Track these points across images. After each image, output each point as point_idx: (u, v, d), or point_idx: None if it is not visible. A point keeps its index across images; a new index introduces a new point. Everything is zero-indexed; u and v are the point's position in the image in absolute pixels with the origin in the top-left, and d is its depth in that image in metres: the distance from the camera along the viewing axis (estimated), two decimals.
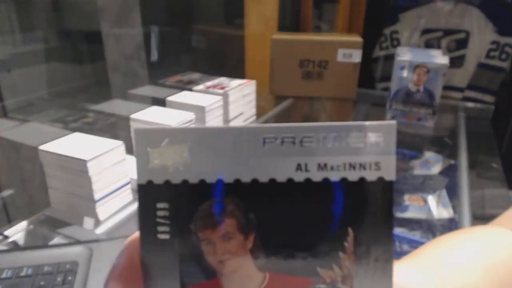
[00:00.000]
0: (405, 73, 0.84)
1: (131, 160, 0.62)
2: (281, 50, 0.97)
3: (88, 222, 0.52)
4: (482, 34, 1.10)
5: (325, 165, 0.10)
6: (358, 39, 0.95)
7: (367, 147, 0.10)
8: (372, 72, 1.24)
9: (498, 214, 0.28)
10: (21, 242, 0.50)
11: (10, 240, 0.50)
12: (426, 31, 1.16)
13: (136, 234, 0.10)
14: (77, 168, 0.49)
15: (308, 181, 0.10)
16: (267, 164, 0.10)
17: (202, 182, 0.10)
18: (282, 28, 1.08)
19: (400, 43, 1.19)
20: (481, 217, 0.56)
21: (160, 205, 0.10)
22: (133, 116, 0.65)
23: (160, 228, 0.10)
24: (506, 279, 0.22)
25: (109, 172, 0.52)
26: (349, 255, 0.10)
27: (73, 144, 0.52)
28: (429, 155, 0.76)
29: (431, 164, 0.72)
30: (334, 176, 0.10)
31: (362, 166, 0.10)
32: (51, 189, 0.53)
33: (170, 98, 0.73)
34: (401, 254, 0.22)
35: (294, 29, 1.23)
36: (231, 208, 0.10)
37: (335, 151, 0.10)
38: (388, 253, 0.10)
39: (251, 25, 1.03)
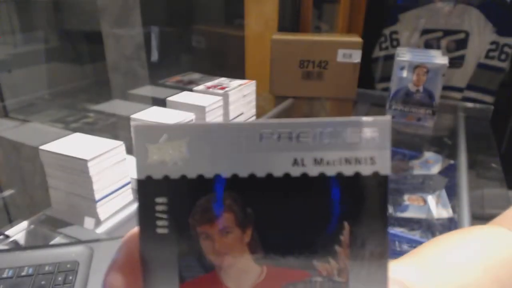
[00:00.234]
0: (404, 73, 0.84)
1: (132, 160, 0.62)
2: (281, 50, 0.97)
3: (88, 222, 0.52)
4: (481, 35, 1.11)
5: (321, 160, 0.10)
6: (358, 39, 0.95)
7: (362, 142, 0.10)
8: (372, 73, 1.24)
9: (498, 214, 0.28)
10: (22, 241, 0.51)
11: (11, 239, 0.50)
12: (425, 32, 1.16)
13: (135, 229, 0.10)
14: (77, 168, 0.49)
15: (304, 175, 0.10)
16: (264, 159, 0.10)
17: (200, 177, 0.10)
18: (282, 28, 1.08)
19: (400, 44, 1.19)
20: (481, 217, 0.56)
21: (159, 200, 0.10)
22: (134, 116, 0.65)
23: (159, 223, 0.10)
24: (505, 278, 0.22)
25: (109, 172, 0.52)
26: (345, 248, 0.10)
27: (73, 144, 0.52)
28: (428, 155, 0.76)
29: (431, 164, 0.72)
30: (330, 171, 0.10)
31: (358, 161, 0.10)
32: (52, 189, 0.53)
33: (170, 98, 0.73)
34: (400, 254, 0.23)
35: (294, 30, 1.23)
36: (228, 203, 0.10)
37: (331, 146, 0.10)
38: (383, 246, 0.10)
39: (251, 25, 1.04)
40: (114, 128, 0.76)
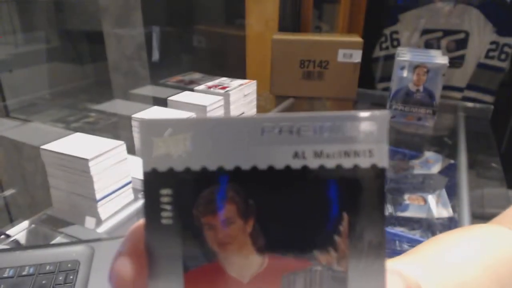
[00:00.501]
0: (405, 73, 0.84)
1: (133, 160, 0.62)
2: (282, 50, 0.97)
3: (89, 221, 0.52)
4: (481, 35, 1.11)
5: (321, 152, 0.10)
6: (358, 39, 0.95)
7: (361, 136, 0.10)
8: (372, 72, 1.24)
9: (498, 214, 0.28)
10: (23, 241, 0.51)
11: (12, 239, 0.50)
12: (425, 32, 1.16)
13: (141, 221, 0.11)
14: (78, 168, 0.50)
15: (304, 168, 0.10)
16: (266, 152, 0.10)
17: (204, 169, 0.10)
18: (282, 28, 1.09)
19: (400, 43, 1.20)
20: (481, 217, 0.57)
21: (164, 191, 0.10)
22: (135, 116, 0.65)
23: (164, 214, 0.10)
24: (505, 277, 0.22)
25: (110, 172, 0.52)
26: (344, 238, 0.10)
27: (74, 144, 0.52)
28: (429, 154, 0.76)
29: (431, 163, 0.73)
30: (330, 163, 0.10)
31: (356, 154, 0.10)
32: (53, 188, 0.53)
33: (171, 98, 0.73)
34: (400, 253, 0.23)
35: (294, 30, 1.23)
36: (231, 195, 0.10)
37: (331, 140, 0.10)
38: (380, 236, 0.10)
39: (251, 25, 1.04)
40: (115, 128, 0.76)
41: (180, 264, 0.10)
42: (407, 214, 0.58)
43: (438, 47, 1.14)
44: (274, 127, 0.10)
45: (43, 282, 0.39)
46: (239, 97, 0.80)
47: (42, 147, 0.51)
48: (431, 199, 0.61)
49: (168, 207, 0.10)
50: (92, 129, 0.71)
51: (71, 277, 0.40)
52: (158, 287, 0.10)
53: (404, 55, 0.86)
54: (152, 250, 0.10)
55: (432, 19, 1.15)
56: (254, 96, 0.85)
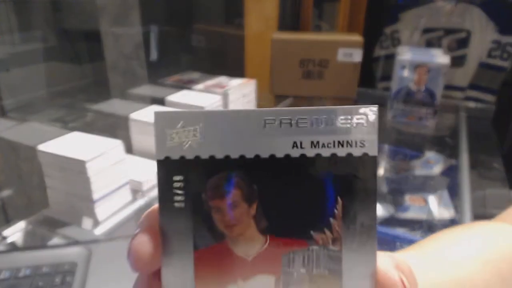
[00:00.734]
0: (406, 73, 0.84)
1: (130, 160, 0.61)
2: (281, 50, 0.97)
3: (87, 223, 0.52)
4: (483, 34, 1.10)
5: (317, 142, 0.11)
6: (358, 38, 0.94)
7: (353, 128, 0.11)
8: (373, 72, 1.24)
9: None
10: (19, 242, 0.50)
11: (8, 240, 0.50)
12: (426, 31, 1.15)
13: (155, 205, 0.12)
14: (76, 169, 0.49)
15: (302, 156, 0.11)
16: (268, 142, 0.11)
17: (212, 158, 0.11)
18: (282, 27, 1.08)
19: (401, 43, 1.19)
20: (483, 217, 0.56)
21: (176, 177, 0.11)
22: (132, 115, 0.65)
23: (176, 198, 0.12)
24: (505, 272, 0.22)
25: (108, 172, 0.52)
26: (338, 220, 0.12)
27: (72, 144, 0.52)
28: (430, 155, 0.75)
29: (432, 164, 0.72)
30: (325, 152, 0.11)
31: (349, 144, 0.11)
32: (50, 189, 0.53)
33: (169, 98, 0.72)
34: None
35: (294, 28, 1.23)
36: (237, 181, 0.12)
37: (326, 131, 0.11)
38: (372, 219, 0.11)
39: (251, 24, 1.03)
40: (113, 127, 0.76)
41: (191, 243, 0.12)
42: (407, 215, 0.57)
43: (439, 46, 1.13)
44: (275, 120, 0.11)
45: (40, 284, 0.39)
46: (238, 96, 0.80)
47: (39, 148, 0.51)
48: (432, 200, 0.61)
49: (180, 192, 0.11)
50: (89, 128, 0.71)
51: (68, 278, 0.40)
52: (171, 263, 0.12)
53: (405, 54, 0.85)
54: (166, 230, 0.12)
55: (433, 18, 1.14)
56: (254, 95, 0.84)
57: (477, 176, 0.67)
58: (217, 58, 1.21)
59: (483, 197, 0.62)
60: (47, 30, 0.76)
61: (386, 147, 0.81)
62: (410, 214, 0.58)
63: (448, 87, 1.04)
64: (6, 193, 0.63)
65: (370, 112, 0.11)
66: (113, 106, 0.82)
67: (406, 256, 0.21)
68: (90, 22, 0.82)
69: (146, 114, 0.65)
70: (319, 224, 0.12)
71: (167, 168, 0.11)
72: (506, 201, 0.63)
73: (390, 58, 1.15)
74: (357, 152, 0.11)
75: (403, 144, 0.81)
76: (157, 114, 0.11)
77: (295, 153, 0.11)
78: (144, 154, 0.65)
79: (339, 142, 0.11)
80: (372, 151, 0.11)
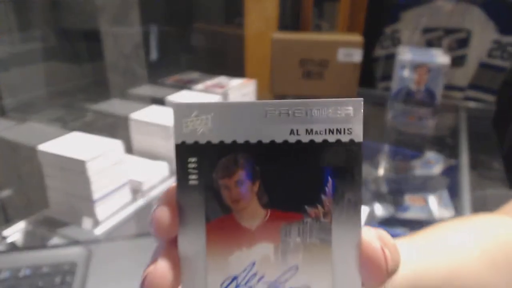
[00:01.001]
0: (406, 73, 0.84)
1: (130, 160, 0.61)
2: (281, 50, 0.96)
3: (87, 223, 0.52)
4: (483, 33, 1.10)
5: (311, 130, 0.13)
6: (358, 38, 0.94)
7: (341, 117, 0.13)
8: (373, 72, 1.23)
9: None
10: (19, 242, 0.50)
11: (8, 240, 0.50)
12: (427, 30, 1.15)
13: (173, 184, 0.14)
14: (75, 169, 0.49)
15: (298, 142, 0.13)
16: (269, 130, 0.13)
17: (221, 142, 0.13)
18: (282, 27, 1.08)
19: (401, 42, 1.19)
20: None
21: (191, 159, 0.13)
22: (132, 115, 0.65)
23: (191, 177, 0.13)
24: (501, 261, 0.22)
25: (108, 172, 0.52)
26: (329, 197, 0.13)
27: (71, 144, 0.52)
28: (430, 155, 0.75)
29: (432, 164, 0.72)
30: (318, 138, 0.13)
31: (338, 131, 0.13)
32: (50, 189, 0.53)
33: (169, 98, 0.72)
34: None
35: (294, 28, 1.22)
36: (242, 162, 0.13)
37: (318, 120, 0.13)
38: (357, 196, 0.13)
39: (251, 24, 1.03)
40: (113, 127, 0.76)
41: (203, 215, 0.13)
42: (407, 215, 0.57)
43: (439, 46, 1.13)
44: (275, 110, 0.13)
45: (40, 284, 0.39)
46: (238, 96, 0.80)
47: (39, 148, 0.51)
48: (432, 200, 0.61)
49: (194, 171, 0.13)
50: (89, 128, 0.71)
51: (68, 279, 0.40)
52: (186, 232, 0.13)
53: (405, 54, 0.85)
54: (182, 204, 0.13)
55: (433, 17, 1.14)
56: (253, 95, 0.84)
57: (477, 176, 0.67)
58: (217, 58, 1.21)
59: (483, 197, 0.62)
60: (47, 30, 0.75)
61: (386, 147, 0.81)
62: (410, 214, 0.58)
63: (448, 87, 1.04)
64: (6, 193, 0.63)
65: (356, 105, 0.13)
66: (113, 106, 0.82)
67: (400, 242, 0.21)
68: (90, 22, 0.82)
69: (146, 114, 0.65)
70: (313, 200, 0.13)
71: (183, 151, 0.13)
72: (506, 201, 0.63)
73: (390, 58, 1.15)
74: (345, 138, 0.13)
75: (403, 144, 0.81)
76: (175, 105, 0.13)
77: (292, 139, 0.13)
78: (144, 154, 0.65)
79: (329, 129, 0.13)
80: (358, 137, 0.13)
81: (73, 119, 0.76)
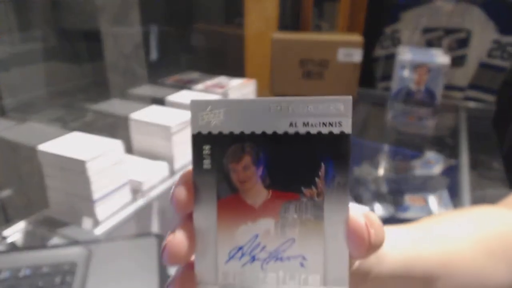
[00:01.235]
0: (406, 73, 0.84)
1: (130, 160, 0.61)
2: (282, 50, 0.96)
3: (87, 222, 0.52)
4: (483, 33, 1.10)
5: (308, 123, 0.15)
6: (358, 38, 0.94)
7: (333, 112, 0.15)
8: (373, 72, 1.23)
9: None
10: (19, 242, 0.50)
11: (8, 240, 0.50)
12: (427, 30, 1.15)
13: (190, 168, 0.16)
14: (76, 169, 0.49)
15: (296, 133, 0.15)
16: (271, 122, 0.15)
17: (231, 133, 0.15)
18: (282, 27, 1.08)
19: (401, 42, 1.19)
20: None
21: (205, 147, 0.16)
22: (132, 115, 0.65)
23: (205, 162, 0.16)
24: (495, 249, 0.23)
25: (108, 172, 0.52)
26: (321, 179, 0.15)
27: (72, 144, 0.52)
28: (430, 155, 0.75)
29: (432, 164, 0.72)
30: (313, 130, 0.15)
31: (330, 124, 0.15)
32: (50, 189, 0.53)
33: (169, 98, 0.72)
34: None
35: (294, 28, 1.22)
36: (248, 149, 0.15)
37: (314, 114, 0.15)
38: (346, 179, 0.15)
39: (251, 24, 1.03)
40: (113, 127, 0.76)
41: (215, 194, 0.16)
42: (407, 215, 0.57)
43: (439, 46, 1.13)
44: (277, 106, 0.15)
45: (40, 284, 0.39)
46: (238, 96, 0.80)
47: (39, 148, 0.51)
48: (432, 200, 0.61)
49: (207, 157, 0.16)
50: (89, 128, 0.71)
51: (68, 279, 0.40)
52: (200, 208, 0.16)
53: (405, 54, 0.85)
54: (197, 184, 0.16)
55: (433, 17, 1.14)
56: (253, 95, 0.84)
57: (477, 176, 0.67)
58: (217, 58, 1.21)
59: (483, 197, 0.62)
60: (47, 30, 0.75)
61: (386, 147, 0.81)
62: (410, 214, 0.58)
63: (448, 87, 1.04)
64: (6, 193, 0.63)
65: (346, 102, 0.15)
66: (113, 106, 0.82)
67: (397, 229, 0.21)
68: (90, 22, 0.82)
69: (146, 114, 0.65)
70: (308, 182, 0.15)
71: (199, 140, 0.16)
72: None
73: (390, 58, 1.15)
74: (336, 130, 0.15)
75: (403, 144, 0.81)
76: (192, 101, 0.16)
77: (291, 130, 0.15)
78: (144, 154, 0.65)
79: (323, 123, 0.15)
80: (347, 130, 0.15)
81: (73, 119, 0.76)
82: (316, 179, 0.15)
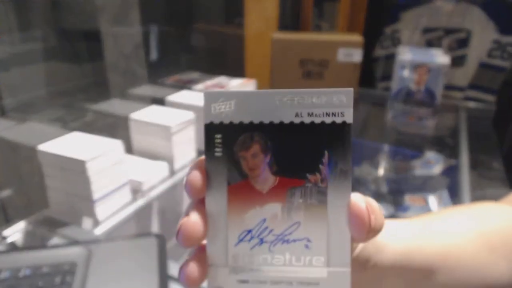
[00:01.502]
0: (406, 73, 0.84)
1: (130, 160, 0.61)
2: (282, 50, 0.96)
3: (87, 222, 0.52)
4: (483, 33, 1.10)
5: (312, 113, 0.16)
6: (358, 38, 0.94)
7: (336, 103, 0.16)
8: (373, 72, 1.23)
9: None
10: (19, 242, 0.50)
11: (8, 240, 0.50)
12: (427, 30, 1.15)
13: (202, 157, 0.17)
14: (76, 169, 0.49)
15: (302, 122, 0.16)
16: (278, 113, 0.16)
17: (241, 123, 0.16)
18: (282, 27, 1.08)
19: (401, 42, 1.19)
20: None
21: (217, 136, 0.16)
22: (132, 115, 0.65)
23: (216, 149, 0.17)
24: (497, 244, 0.23)
25: (108, 172, 0.52)
26: (325, 166, 0.16)
27: (72, 144, 0.52)
28: (430, 155, 0.75)
29: (432, 164, 0.72)
30: (317, 120, 0.16)
31: (333, 114, 0.16)
32: (50, 189, 0.53)
33: (169, 98, 0.72)
34: None
35: (294, 28, 1.22)
36: (257, 138, 0.16)
37: (318, 105, 0.16)
38: (347, 165, 0.16)
39: (251, 24, 1.03)
40: (113, 127, 0.76)
41: (225, 180, 0.17)
42: (407, 215, 0.57)
43: (439, 46, 1.13)
44: (284, 97, 0.16)
45: (40, 284, 0.39)
46: None
47: (39, 148, 0.51)
48: (432, 200, 0.61)
49: (219, 145, 0.16)
50: (89, 128, 0.71)
51: (68, 278, 0.40)
52: (212, 193, 0.17)
53: (405, 54, 0.85)
54: (209, 171, 0.17)
55: (433, 17, 1.14)
56: None
57: (477, 176, 0.67)
58: (217, 58, 1.21)
59: (483, 197, 0.62)
60: (47, 30, 0.75)
61: (386, 147, 0.81)
62: (410, 214, 0.58)
63: (448, 87, 1.04)
64: (6, 193, 0.63)
65: (347, 94, 0.16)
66: (113, 106, 0.82)
67: (398, 221, 0.22)
68: (90, 22, 0.82)
69: (146, 114, 0.65)
70: (312, 169, 0.16)
71: (211, 129, 0.16)
72: None
73: (390, 58, 1.15)
74: (338, 120, 0.16)
75: (403, 144, 0.81)
76: (205, 93, 0.17)
77: (297, 120, 0.16)
78: (144, 154, 0.65)
79: (326, 113, 0.16)
80: (349, 119, 0.16)
81: (73, 119, 0.76)
82: (320, 166, 0.16)
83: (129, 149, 0.64)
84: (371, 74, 1.23)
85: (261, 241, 0.17)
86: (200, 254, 0.17)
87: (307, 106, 0.16)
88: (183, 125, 0.64)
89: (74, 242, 0.47)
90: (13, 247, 0.49)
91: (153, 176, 0.60)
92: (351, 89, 0.16)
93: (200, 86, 0.81)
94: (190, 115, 0.65)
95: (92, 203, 0.50)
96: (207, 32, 1.18)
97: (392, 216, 0.57)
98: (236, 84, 0.81)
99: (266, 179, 0.16)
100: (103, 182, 0.51)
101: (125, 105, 0.82)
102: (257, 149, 0.16)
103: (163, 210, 0.58)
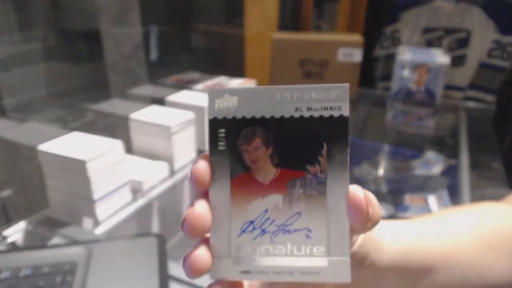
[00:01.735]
0: (406, 73, 0.84)
1: (130, 160, 0.61)
2: (281, 50, 0.97)
3: (87, 222, 0.52)
4: (483, 33, 1.10)
5: (311, 107, 0.17)
6: (358, 38, 0.94)
7: (333, 98, 0.17)
8: (373, 72, 1.23)
9: None
10: (19, 242, 0.50)
11: (8, 240, 0.50)
12: (427, 30, 1.15)
13: (206, 152, 0.18)
14: (76, 169, 0.49)
15: (301, 116, 0.17)
16: (279, 108, 0.17)
17: (244, 117, 0.17)
18: (282, 27, 1.08)
19: (401, 42, 1.19)
20: None
21: (220, 130, 0.17)
22: (132, 115, 0.65)
23: (220, 143, 0.17)
24: (497, 244, 0.23)
25: (108, 172, 0.52)
26: (324, 158, 0.17)
27: (72, 144, 0.52)
28: (430, 155, 0.75)
29: (432, 164, 0.72)
30: (316, 114, 0.17)
31: (331, 108, 0.17)
32: (50, 189, 0.53)
33: (169, 98, 0.72)
34: None
35: (294, 28, 1.22)
36: (259, 132, 0.17)
37: (316, 100, 0.17)
38: (346, 157, 0.17)
39: (251, 24, 1.03)
40: (113, 127, 0.76)
41: (229, 172, 0.17)
42: (407, 215, 0.58)
43: (439, 46, 1.13)
44: (284, 93, 0.17)
45: (41, 283, 0.39)
46: None
47: (39, 148, 0.51)
48: (432, 200, 0.61)
49: (222, 139, 0.17)
50: (89, 128, 0.71)
51: (69, 278, 0.40)
52: (215, 185, 0.17)
53: (405, 54, 0.85)
54: (213, 164, 0.17)
55: (433, 17, 1.14)
56: None
57: (477, 176, 0.67)
58: (217, 58, 1.21)
59: (483, 197, 0.62)
60: (47, 30, 0.75)
61: (386, 147, 0.81)
62: (410, 214, 0.58)
63: (448, 87, 1.04)
64: (6, 193, 0.63)
65: (344, 88, 0.17)
66: (113, 106, 0.82)
67: (399, 222, 0.22)
68: (90, 22, 0.82)
69: (146, 114, 0.65)
70: (312, 160, 0.17)
71: (215, 124, 0.17)
72: None
73: (390, 58, 1.15)
74: (336, 113, 0.17)
75: (403, 144, 0.81)
76: (209, 90, 0.17)
77: (297, 114, 0.17)
78: (144, 154, 0.65)
79: (324, 107, 0.17)
80: (346, 113, 0.17)
81: (73, 119, 0.76)
82: (319, 158, 0.17)
83: (129, 149, 0.64)
84: (371, 74, 1.23)
85: (263, 232, 0.17)
86: (204, 245, 0.17)
87: (306, 101, 0.17)
88: (183, 125, 0.64)
89: (74, 242, 0.47)
90: (13, 247, 0.49)
91: (153, 176, 0.60)
92: (347, 84, 0.17)
93: (200, 86, 0.81)
94: (190, 115, 0.65)
95: (92, 203, 0.51)
96: (207, 32, 1.19)
97: (392, 216, 0.57)
98: (236, 84, 0.81)
99: (268, 171, 0.17)
100: (103, 182, 0.51)
101: (125, 105, 0.82)
102: (259, 142, 0.17)
103: (163, 210, 0.58)
